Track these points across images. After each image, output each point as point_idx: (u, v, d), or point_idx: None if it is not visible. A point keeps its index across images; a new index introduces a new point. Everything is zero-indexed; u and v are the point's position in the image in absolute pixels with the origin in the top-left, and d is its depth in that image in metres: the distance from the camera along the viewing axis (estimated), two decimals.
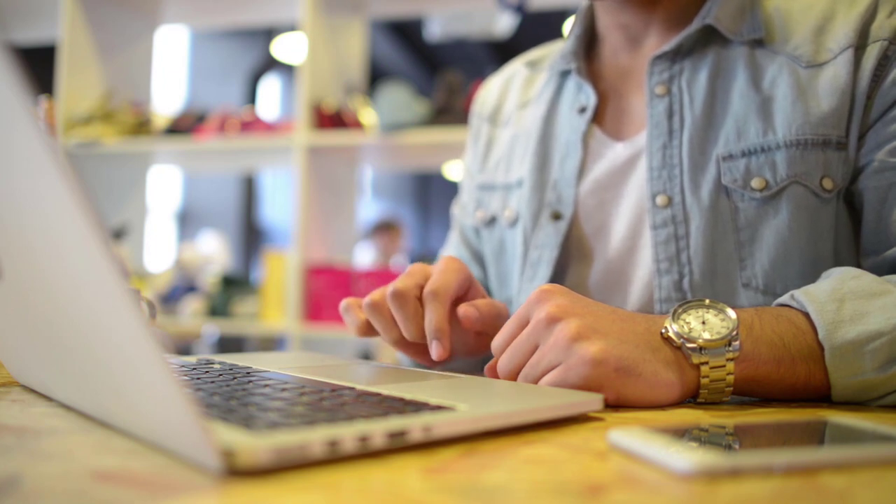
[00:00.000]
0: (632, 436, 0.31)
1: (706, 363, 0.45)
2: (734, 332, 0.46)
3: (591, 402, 0.40)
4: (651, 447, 0.30)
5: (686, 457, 0.28)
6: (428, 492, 0.25)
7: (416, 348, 0.63)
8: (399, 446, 0.31)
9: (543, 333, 0.46)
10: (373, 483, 0.26)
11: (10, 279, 0.36)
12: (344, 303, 0.64)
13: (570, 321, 0.45)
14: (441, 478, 0.27)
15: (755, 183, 0.61)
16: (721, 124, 0.63)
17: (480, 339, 0.64)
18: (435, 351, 0.56)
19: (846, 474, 0.28)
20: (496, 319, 0.60)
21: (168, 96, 4.18)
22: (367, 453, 0.30)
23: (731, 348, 0.46)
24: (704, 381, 0.46)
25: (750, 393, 0.49)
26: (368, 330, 0.62)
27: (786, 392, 0.49)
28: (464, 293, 0.61)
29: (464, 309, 0.58)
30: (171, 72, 4.81)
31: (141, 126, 2.28)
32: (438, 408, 0.35)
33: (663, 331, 0.47)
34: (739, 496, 0.25)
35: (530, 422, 0.36)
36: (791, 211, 0.60)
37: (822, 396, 0.49)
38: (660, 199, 0.64)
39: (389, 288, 0.58)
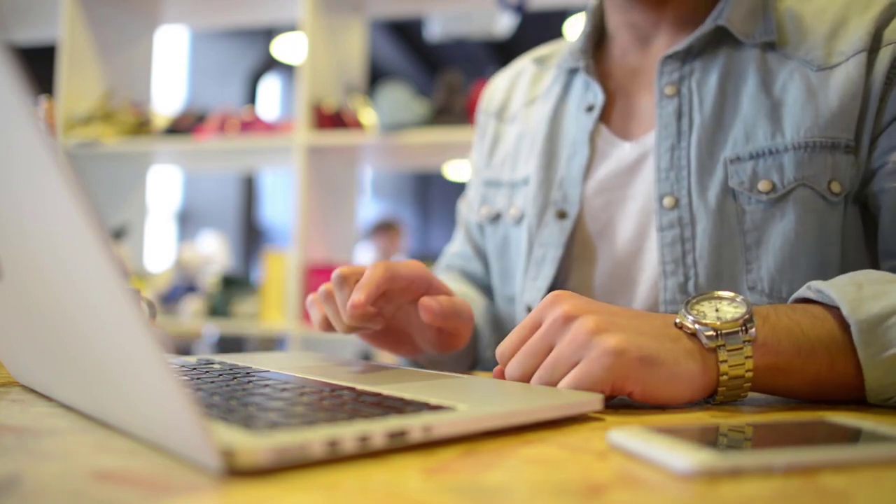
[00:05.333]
0: (632, 436, 0.31)
1: (722, 346, 0.44)
2: (748, 316, 0.45)
3: (591, 402, 0.40)
4: (651, 447, 0.30)
5: (686, 457, 0.28)
6: (428, 492, 0.25)
7: (378, 338, 0.64)
8: (399, 446, 0.31)
9: (560, 332, 0.45)
10: (373, 483, 0.26)
11: (10, 279, 0.36)
12: (309, 298, 0.62)
13: (588, 317, 0.44)
14: (441, 478, 0.27)
15: (762, 185, 0.60)
16: (730, 127, 0.62)
17: (441, 335, 0.63)
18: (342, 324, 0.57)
19: (846, 474, 0.28)
20: (454, 317, 0.59)
21: (168, 96, 4.18)
22: (367, 453, 0.30)
23: (747, 333, 0.44)
24: (723, 366, 0.44)
25: (772, 387, 0.47)
26: (329, 325, 0.61)
27: (808, 384, 0.47)
28: (418, 290, 0.60)
29: (424, 301, 0.57)
30: (171, 72, 4.81)
31: (141, 126, 2.28)
32: (438, 408, 0.35)
33: (677, 321, 0.46)
34: (739, 496, 0.25)
35: (530, 422, 0.36)
36: (798, 214, 0.59)
37: (847, 390, 0.47)
38: (667, 201, 0.63)
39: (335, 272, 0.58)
